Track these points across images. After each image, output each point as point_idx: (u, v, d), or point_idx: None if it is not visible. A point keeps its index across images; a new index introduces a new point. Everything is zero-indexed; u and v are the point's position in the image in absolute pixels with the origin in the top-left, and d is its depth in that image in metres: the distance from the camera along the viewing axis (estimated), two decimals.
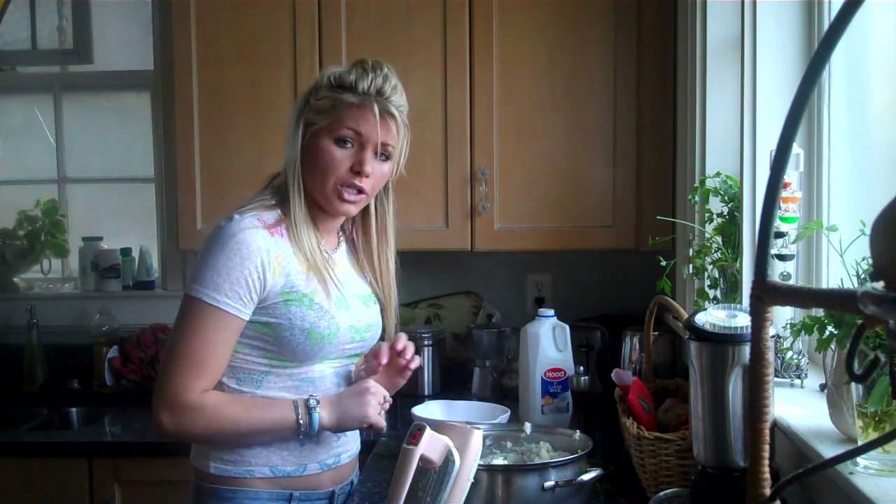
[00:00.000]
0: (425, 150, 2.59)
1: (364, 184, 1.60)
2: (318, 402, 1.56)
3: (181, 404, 1.51)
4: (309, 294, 1.57)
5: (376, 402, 1.58)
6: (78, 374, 3.00)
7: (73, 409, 2.86)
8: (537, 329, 2.36)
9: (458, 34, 2.57)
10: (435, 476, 1.38)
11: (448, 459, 1.38)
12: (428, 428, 1.38)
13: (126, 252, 3.15)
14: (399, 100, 1.61)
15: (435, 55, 2.57)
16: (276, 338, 1.56)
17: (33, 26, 3.24)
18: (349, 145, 1.58)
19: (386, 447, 2.20)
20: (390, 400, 1.63)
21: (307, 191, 1.61)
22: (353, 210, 1.65)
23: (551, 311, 2.38)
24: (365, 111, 1.57)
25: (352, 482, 1.78)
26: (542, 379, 2.31)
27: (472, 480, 1.43)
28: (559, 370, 2.33)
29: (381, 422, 1.59)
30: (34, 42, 3.25)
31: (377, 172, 1.61)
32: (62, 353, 3.06)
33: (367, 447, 2.09)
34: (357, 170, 1.58)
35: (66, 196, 3.27)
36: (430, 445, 1.36)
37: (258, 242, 1.52)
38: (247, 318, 1.54)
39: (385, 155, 1.61)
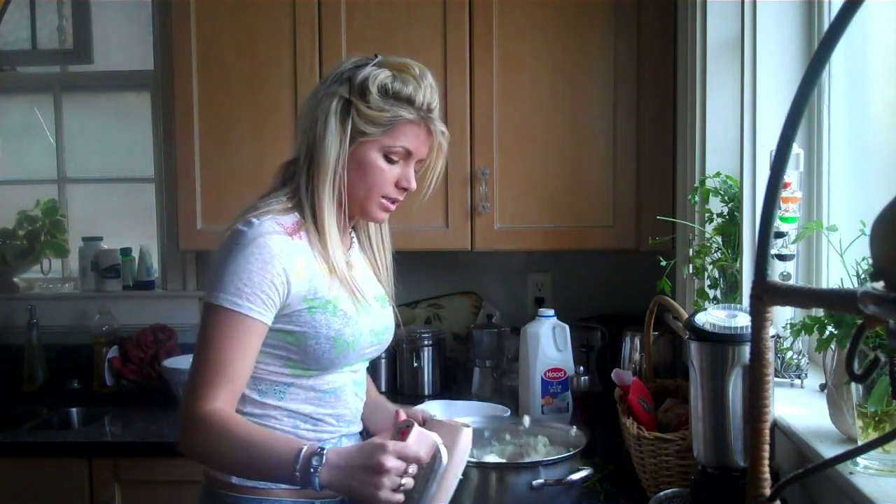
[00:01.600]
0: None
1: (403, 196, 1.61)
2: (322, 460, 1.34)
3: (195, 418, 1.42)
4: (333, 300, 1.53)
5: (390, 483, 1.32)
6: (78, 374, 3.00)
7: (73, 409, 2.86)
8: (537, 329, 2.36)
9: (458, 34, 2.57)
10: (422, 473, 1.38)
11: (436, 457, 1.37)
12: (416, 425, 1.37)
13: (126, 252, 3.15)
14: (439, 111, 1.60)
15: (435, 55, 2.57)
16: (301, 346, 1.51)
17: (33, 26, 3.24)
18: (396, 159, 1.57)
19: None
20: (409, 482, 1.35)
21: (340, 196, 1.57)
22: (386, 218, 1.65)
23: (551, 311, 2.38)
24: (422, 130, 1.55)
25: None
26: (542, 379, 2.32)
27: (459, 477, 1.43)
28: (559, 370, 2.33)
29: (394, 499, 1.33)
30: (34, 42, 3.25)
31: (415, 185, 1.62)
32: (62, 353, 3.06)
33: None
34: (404, 185, 1.58)
35: (66, 196, 3.27)
36: (418, 443, 1.36)
37: (280, 247, 1.47)
38: (269, 322, 1.47)
39: (416, 168, 1.62)
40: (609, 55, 2.56)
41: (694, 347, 1.41)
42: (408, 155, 1.57)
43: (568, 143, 2.59)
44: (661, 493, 1.54)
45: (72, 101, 3.29)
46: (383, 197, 1.58)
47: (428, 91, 1.55)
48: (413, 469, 1.35)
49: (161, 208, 3.15)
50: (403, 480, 1.33)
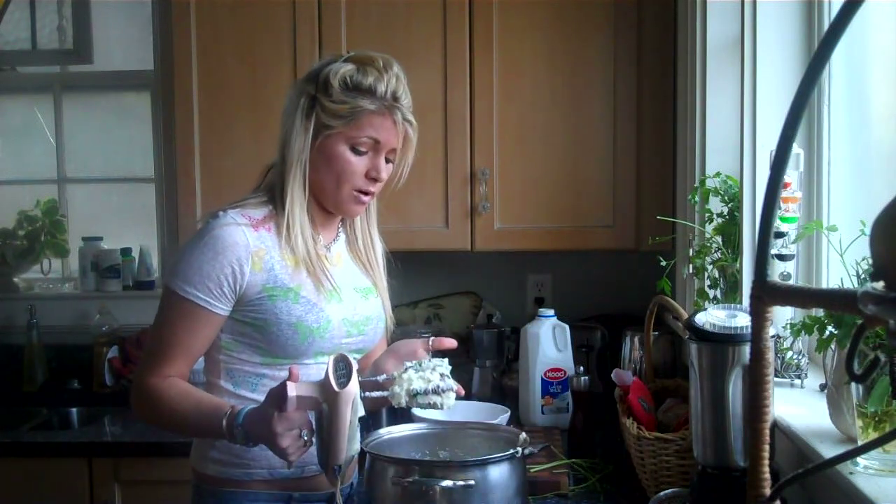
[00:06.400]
0: (425, 150, 2.57)
1: (375, 187, 1.61)
2: (239, 424, 1.44)
3: (141, 387, 1.55)
4: (295, 288, 1.57)
5: (291, 441, 1.40)
6: (78, 374, 3.00)
7: (73, 409, 2.87)
8: (537, 329, 2.36)
9: (458, 34, 2.57)
10: (319, 420, 1.41)
11: (322, 411, 1.39)
12: (291, 386, 1.37)
13: (126, 252, 3.15)
14: (409, 102, 1.60)
15: (435, 55, 2.57)
16: (265, 334, 1.56)
17: (33, 26, 3.24)
18: (364, 150, 1.58)
19: None
20: (307, 433, 1.42)
21: (311, 190, 1.61)
22: (361, 211, 1.66)
23: (551, 311, 2.38)
24: (386, 120, 1.56)
25: (352, 484, 1.77)
26: (542, 379, 2.32)
27: (358, 414, 1.40)
28: (559, 370, 2.33)
29: (295, 453, 1.42)
30: (34, 42, 3.25)
31: (385, 175, 1.62)
32: (62, 353, 3.06)
33: None
34: (373, 176, 1.59)
35: (66, 196, 3.27)
36: (297, 405, 1.38)
37: (235, 238, 1.53)
38: (221, 312, 1.55)
39: (389, 159, 1.62)
40: (609, 55, 2.56)
41: (694, 347, 1.41)
42: (376, 145, 1.57)
43: (568, 143, 2.59)
44: (661, 493, 1.54)
45: (72, 101, 3.29)
46: (354, 189, 1.59)
47: (392, 81, 1.55)
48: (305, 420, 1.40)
49: (161, 208, 3.15)
50: (303, 433, 1.40)
